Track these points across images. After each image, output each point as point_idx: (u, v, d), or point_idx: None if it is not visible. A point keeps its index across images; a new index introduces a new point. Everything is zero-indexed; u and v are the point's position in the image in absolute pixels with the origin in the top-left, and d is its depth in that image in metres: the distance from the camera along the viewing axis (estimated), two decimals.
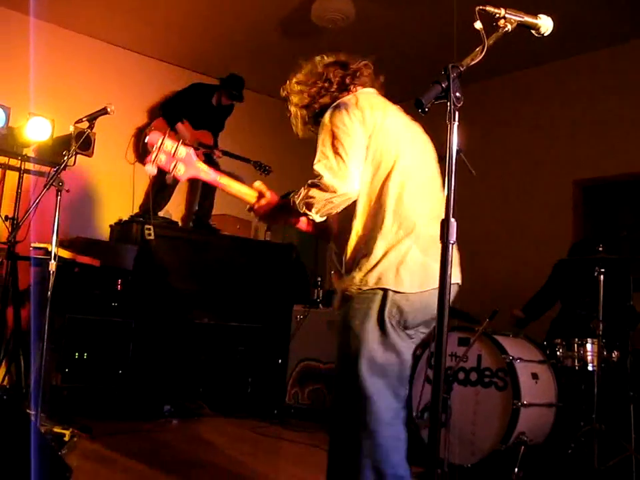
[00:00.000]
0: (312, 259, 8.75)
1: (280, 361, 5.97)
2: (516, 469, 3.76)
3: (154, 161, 2.33)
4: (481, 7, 1.73)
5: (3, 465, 2.23)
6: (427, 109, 1.57)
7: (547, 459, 4.14)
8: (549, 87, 6.61)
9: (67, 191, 3.68)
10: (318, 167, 2.32)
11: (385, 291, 2.33)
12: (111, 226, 6.68)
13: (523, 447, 3.84)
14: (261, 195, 2.52)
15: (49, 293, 3.71)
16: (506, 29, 1.78)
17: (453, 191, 1.55)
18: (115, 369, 5.70)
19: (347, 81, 2.61)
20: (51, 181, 3.55)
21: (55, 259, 3.71)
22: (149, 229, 6.21)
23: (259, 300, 6.60)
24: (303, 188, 2.35)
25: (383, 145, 2.40)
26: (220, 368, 6.10)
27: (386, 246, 2.35)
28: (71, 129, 4.16)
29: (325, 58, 2.68)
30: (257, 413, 5.62)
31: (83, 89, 6.47)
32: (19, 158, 5.35)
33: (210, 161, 6.64)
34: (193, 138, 6.63)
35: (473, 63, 1.67)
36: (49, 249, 3.80)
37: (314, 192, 2.29)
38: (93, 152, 5.57)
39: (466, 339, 4.15)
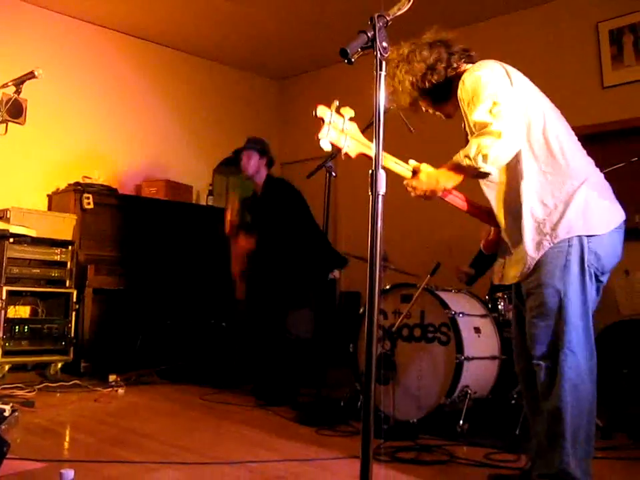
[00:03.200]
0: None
1: (224, 324, 5.95)
2: (461, 422, 3.82)
3: (327, 136, 2.14)
4: None
5: None
6: (352, 59, 1.54)
7: (491, 411, 4.22)
8: (490, 43, 6.64)
9: None
10: (480, 116, 2.31)
11: (579, 238, 2.36)
12: (48, 195, 6.53)
13: (467, 400, 3.91)
14: (415, 172, 2.47)
15: None
16: None
17: (381, 142, 1.53)
18: (58, 340, 5.61)
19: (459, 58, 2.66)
20: None
21: None
22: (88, 198, 6.09)
23: (201, 264, 6.55)
24: (469, 145, 2.32)
25: (528, 101, 2.45)
26: (167, 337, 6.06)
27: (565, 198, 2.39)
28: None
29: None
30: (205, 378, 5.59)
31: (10, 53, 6.25)
32: None
33: None
34: None
35: (400, 12, 1.64)
36: None
37: (486, 141, 2.26)
38: (25, 119, 5.40)
39: (409, 295, 4.18)
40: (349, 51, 1.53)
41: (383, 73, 1.55)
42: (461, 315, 4.03)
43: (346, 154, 2.21)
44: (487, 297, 4.57)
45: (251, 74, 8.49)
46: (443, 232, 6.37)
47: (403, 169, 2.48)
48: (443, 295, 4.16)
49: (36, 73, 3.63)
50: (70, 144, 6.72)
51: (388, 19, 1.59)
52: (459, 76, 2.58)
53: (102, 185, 6.40)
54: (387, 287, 4.34)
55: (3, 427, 3.40)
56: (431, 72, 2.59)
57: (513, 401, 4.06)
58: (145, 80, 7.40)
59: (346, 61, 1.55)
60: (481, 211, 2.75)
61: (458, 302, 4.22)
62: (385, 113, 1.63)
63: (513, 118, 2.31)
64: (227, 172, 8.63)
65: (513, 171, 2.49)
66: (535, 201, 2.45)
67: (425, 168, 2.48)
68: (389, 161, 2.43)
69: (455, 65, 2.63)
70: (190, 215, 6.93)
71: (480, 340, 4.15)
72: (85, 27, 7.00)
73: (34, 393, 4.77)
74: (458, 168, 2.39)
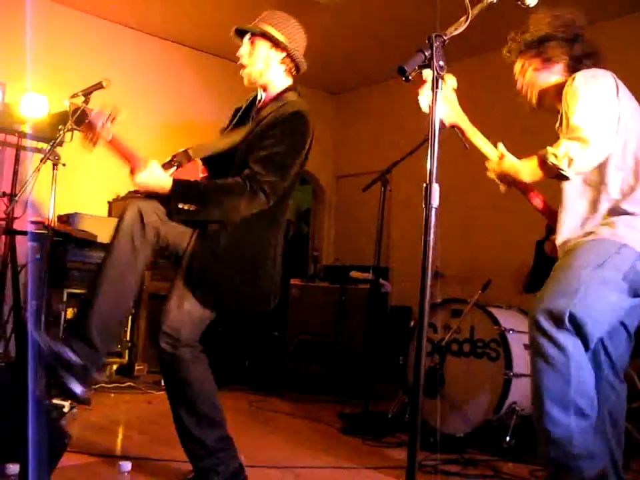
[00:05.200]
0: (308, 234, 8.82)
1: (276, 333, 6.03)
2: (507, 438, 3.82)
3: (426, 96, 2.20)
4: None
5: (1, 430, 2.28)
6: (409, 77, 1.61)
7: None
8: None
9: (63, 164, 3.71)
10: (577, 120, 2.35)
11: (630, 250, 2.36)
12: (109, 202, 6.72)
13: (515, 417, 3.90)
14: (502, 156, 2.57)
15: (46, 267, 3.75)
16: None
17: (436, 158, 1.59)
18: (115, 342, 5.76)
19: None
20: (47, 156, 3.58)
21: (51, 234, 3.74)
22: None
23: None
24: (557, 144, 2.36)
25: (628, 121, 2.47)
26: (217, 341, 6.16)
27: (633, 211, 2.41)
28: (66, 103, 4.16)
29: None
30: (254, 385, 5.69)
31: (80, 65, 6.47)
32: (16, 134, 5.36)
33: None
34: None
35: (457, 32, 1.70)
36: (46, 224, 3.83)
37: (575, 146, 2.31)
38: None
39: (459, 310, 4.21)
40: (406, 69, 1.60)
41: (439, 91, 1.61)
42: (511, 332, 4.04)
43: (441, 120, 2.25)
44: None
45: (307, 87, 8.60)
46: (496, 249, 6.36)
47: (489, 150, 2.57)
48: (493, 310, 4.17)
49: (104, 84, 3.78)
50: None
51: (445, 38, 1.65)
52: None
53: None
54: (438, 301, 4.36)
55: (63, 422, 3.53)
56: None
57: None
58: (205, 92, 7.57)
59: (403, 78, 1.61)
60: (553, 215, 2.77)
61: (508, 318, 4.22)
62: (440, 130, 1.69)
63: (607, 129, 2.36)
64: None
65: (597, 176, 2.50)
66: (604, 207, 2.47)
67: (510, 157, 2.56)
68: (477, 139, 2.54)
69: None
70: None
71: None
72: (147, 39, 7.22)
73: (90, 392, 4.90)
74: (541, 165, 2.42)
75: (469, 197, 6.36)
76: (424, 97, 2.25)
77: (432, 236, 1.58)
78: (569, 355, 2.30)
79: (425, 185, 1.61)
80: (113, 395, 5.06)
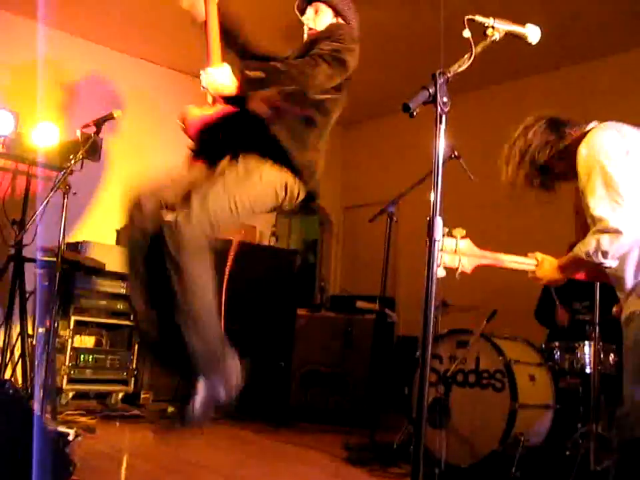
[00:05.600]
0: (315, 264, 8.84)
1: (283, 364, 6.03)
2: (513, 469, 3.80)
3: (441, 263, 2.15)
4: (469, 17, 1.80)
5: (7, 458, 2.30)
6: (414, 113, 1.64)
7: (545, 460, 4.19)
8: (546, 95, 6.67)
9: (74, 194, 3.76)
10: (598, 211, 2.32)
11: None
12: (117, 230, 6.76)
13: (520, 448, 3.89)
14: (539, 262, 2.54)
15: (55, 294, 3.78)
16: (494, 37, 1.85)
17: (441, 190, 1.62)
18: (120, 371, 5.77)
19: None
20: (58, 184, 3.63)
21: (60, 262, 3.78)
22: None
23: (263, 304, 6.65)
24: (588, 241, 2.35)
25: None
26: None
27: None
28: (78, 133, 4.24)
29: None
30: (260, 415, 5.67)
31: (91, 95, 6.56)
32: (27, 162, 5.41)
33: None
34: None
35: (461, 69, 1.74)
36: (55, 252, 3.86)
37: (605, 239, 2.29)
38: (99, 157, 5.64)
39: (465, 341, 4.21)
40: (411, 105, 1.64)
41: (443, 127, 1.65)
42: (516, 363, 4.04)
43: (462, 272, 2.28)
44: (542, 346, 4.56)
45: None
46: (501, 279, 6.35)
47: (524, 264, 2.54)
48: (498, 341, 4.18)
49: (115, 115, 3.84)
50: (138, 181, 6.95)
51: (449, 75, 1.69)
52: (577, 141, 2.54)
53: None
54: (444, 332, 4.37)
55: (68, 450, 3.53)
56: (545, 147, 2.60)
57: (568, 452, 4.02)
58: None
59: (409, 115, 1.65)
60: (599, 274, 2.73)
61: (513, 349, 4.22)
62: (444, 162, 1.73)
63: (630, 208, 2.30)
64: (290, 213, 8.79)
65: None
66: None
67: (547, 258, 2.54)
68: (508, 261, 2.50)
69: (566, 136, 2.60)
70: (253, 255, 7.04)
71: (534, 388, 4.14)
72: (158, 70, 7.32)
73: (95, 420, 4.92)
74: (579, 262, 2.43)
75: (476, 226, 6.36)
76: (439, 267, 2.22)
77: (435, 269, 1.61)
78: None
79: (427, 217, 1.65)
80: (118, 423, 5.06)
